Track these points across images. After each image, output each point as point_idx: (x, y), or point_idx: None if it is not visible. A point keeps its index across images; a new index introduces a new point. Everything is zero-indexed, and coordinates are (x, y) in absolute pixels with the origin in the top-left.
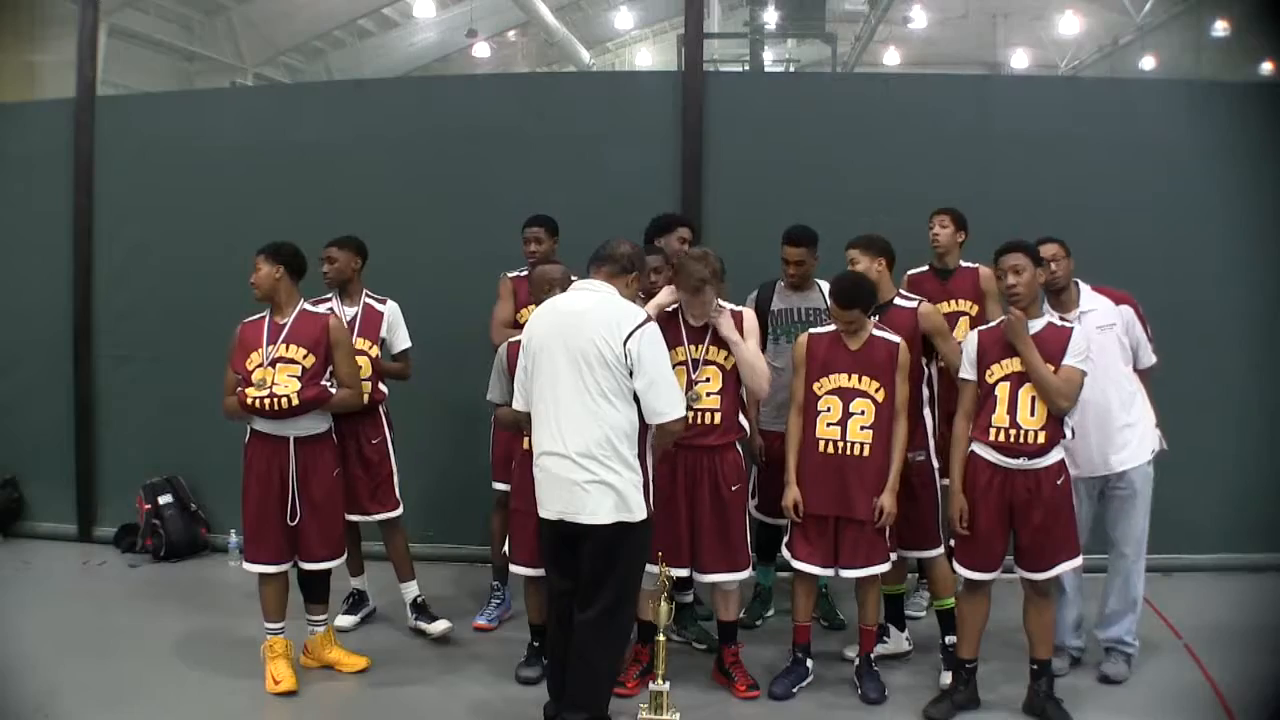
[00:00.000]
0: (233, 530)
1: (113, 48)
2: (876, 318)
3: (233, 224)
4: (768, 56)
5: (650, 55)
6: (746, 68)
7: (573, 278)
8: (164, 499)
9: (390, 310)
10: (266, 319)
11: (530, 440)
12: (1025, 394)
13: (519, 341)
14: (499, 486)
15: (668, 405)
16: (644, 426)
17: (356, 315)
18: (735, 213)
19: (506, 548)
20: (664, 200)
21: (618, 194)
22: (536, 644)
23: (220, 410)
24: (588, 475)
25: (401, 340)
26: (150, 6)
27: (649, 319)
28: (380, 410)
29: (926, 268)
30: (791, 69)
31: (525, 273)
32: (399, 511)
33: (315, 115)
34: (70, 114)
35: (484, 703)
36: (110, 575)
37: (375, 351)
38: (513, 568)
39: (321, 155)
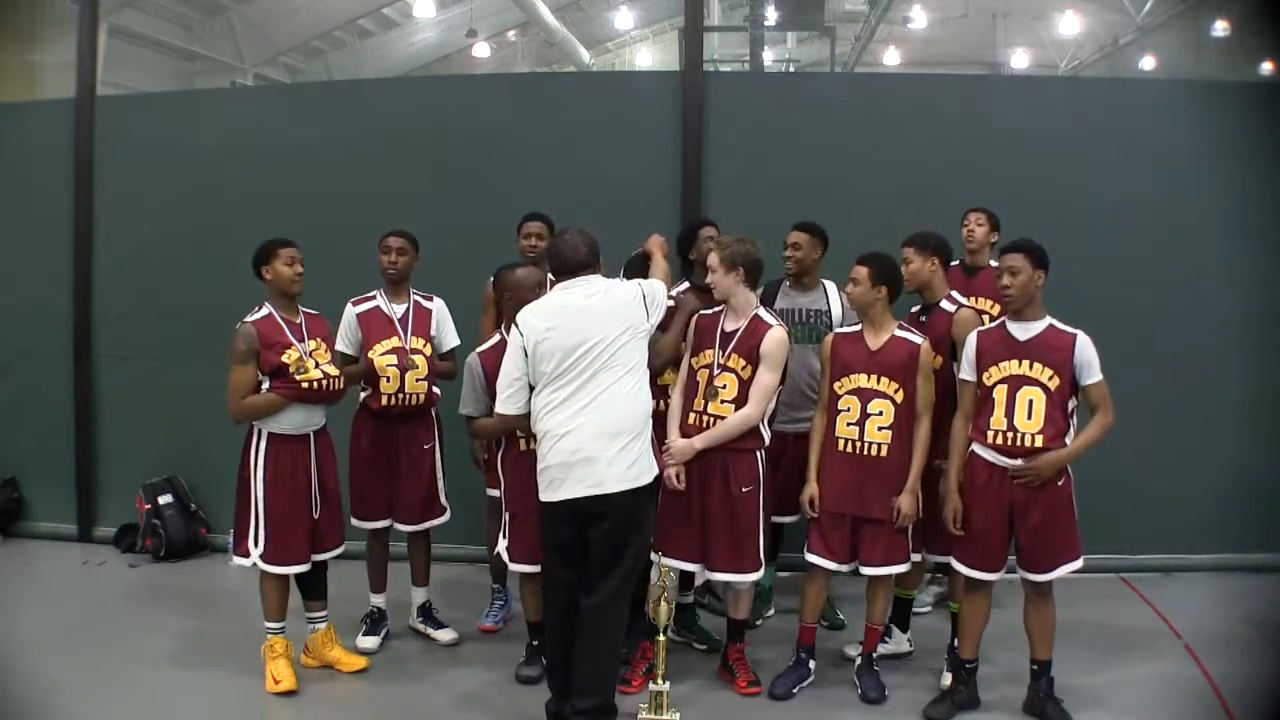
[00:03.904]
0: (233, 531)
1: (113, 48)
2: (925, 318)
3: (232, 224)
4: (768, 57)
5: (650, 55)
6: (746, 67)
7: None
8: (164, 499)
9: (438, 307)
10: (277, 317)
11: (525, 439)
12: (1023, 397)
13: (488, 351)
14: (493, 493)
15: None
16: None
17: (407, 312)
18: (735, 212)
19: (502, 547)
20: (664, 200)
21: (618, 194)
22: (536, 643)
23: (231, 413)
24: (616, 447)
25: (450, 338)
26: (150, 6)
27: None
28: (433, 413)
29: (957, 263)
30: (791, 69)
31: None
32: (447, 517)
33: (315, 115)
34: (70, 114)
35: (484, 703)
36: (110, 575)
37: (429, 350)
38: (513, 566)
39: (321, 155)
